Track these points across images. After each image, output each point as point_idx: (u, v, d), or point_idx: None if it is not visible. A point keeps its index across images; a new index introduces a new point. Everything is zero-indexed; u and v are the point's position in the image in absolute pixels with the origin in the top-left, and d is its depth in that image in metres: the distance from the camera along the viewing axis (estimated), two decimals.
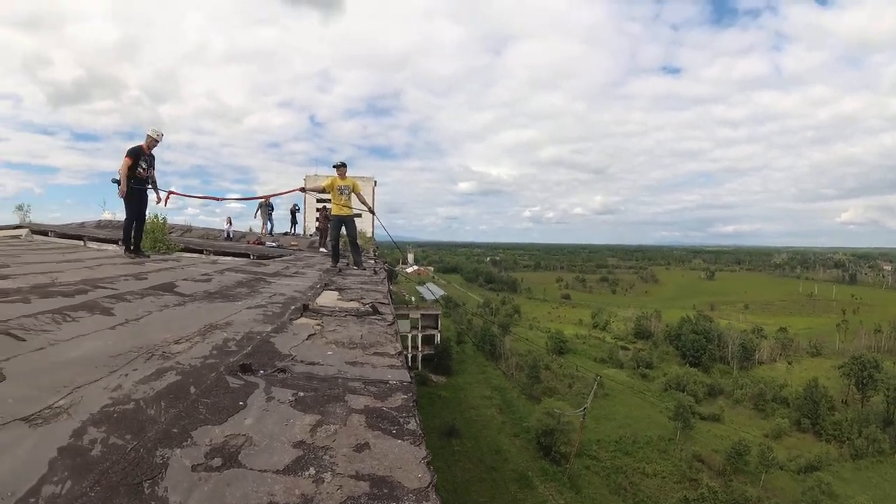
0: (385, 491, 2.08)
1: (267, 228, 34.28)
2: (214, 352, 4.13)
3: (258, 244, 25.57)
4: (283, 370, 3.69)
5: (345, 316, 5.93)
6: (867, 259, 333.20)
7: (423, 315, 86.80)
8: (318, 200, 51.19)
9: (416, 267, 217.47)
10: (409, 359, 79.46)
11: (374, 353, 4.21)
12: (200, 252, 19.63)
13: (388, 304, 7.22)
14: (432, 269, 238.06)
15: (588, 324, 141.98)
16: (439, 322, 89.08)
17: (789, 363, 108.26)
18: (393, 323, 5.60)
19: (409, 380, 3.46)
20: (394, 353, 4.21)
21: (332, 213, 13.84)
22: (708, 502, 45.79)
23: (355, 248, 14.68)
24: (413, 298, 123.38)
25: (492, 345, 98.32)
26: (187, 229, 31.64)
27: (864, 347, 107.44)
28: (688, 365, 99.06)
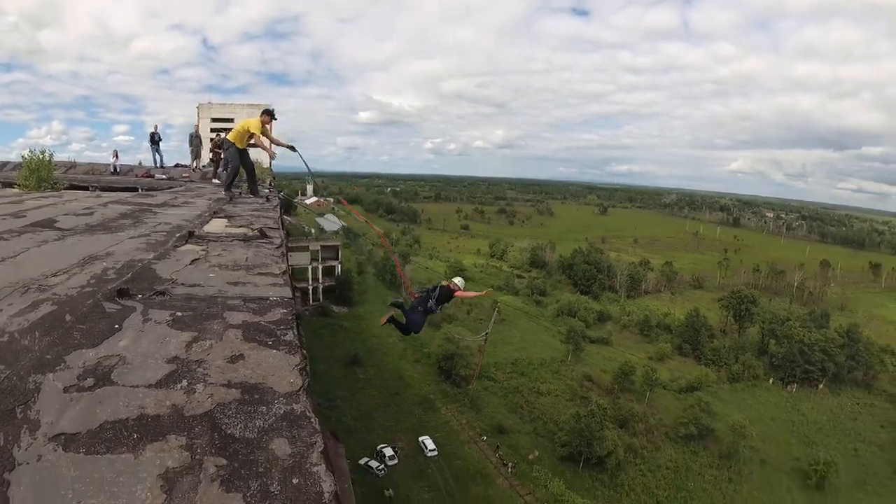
0: (256, 396, 2.14)
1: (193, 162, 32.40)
2: (92, 281, 4.03)
3: (147, 177, 24.53)
4: (162, 293, 3.62)
5: (231, 241, 5.81)
6: (751, 206, 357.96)
7: (322, 247, 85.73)
8: (212, 130, 48.54)
9: (315, 198, 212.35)
10: (311, 291, 78.93)
11: (258, 274, 4.18)
12: (86, 189, 18.57)
13: (278, 229, 7.11)
14: (332, 200, 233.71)
15: (486, 253, 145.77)
16: (339, 254, 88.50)
17: (673, 294, 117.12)
18: (280, 246, 5.54)
19: (290, 296, 3.48)
20: (278, 272, 4.19)
21: (238, 146, 13.46)
22: (597, 417, 49.29)
23: (251, 177, 14.57)
24: (312, 230, 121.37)
25: (392, 274, 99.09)
26: (71, 166, 29.25)
27: (742, 284, 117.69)
28: (579, 293, 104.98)
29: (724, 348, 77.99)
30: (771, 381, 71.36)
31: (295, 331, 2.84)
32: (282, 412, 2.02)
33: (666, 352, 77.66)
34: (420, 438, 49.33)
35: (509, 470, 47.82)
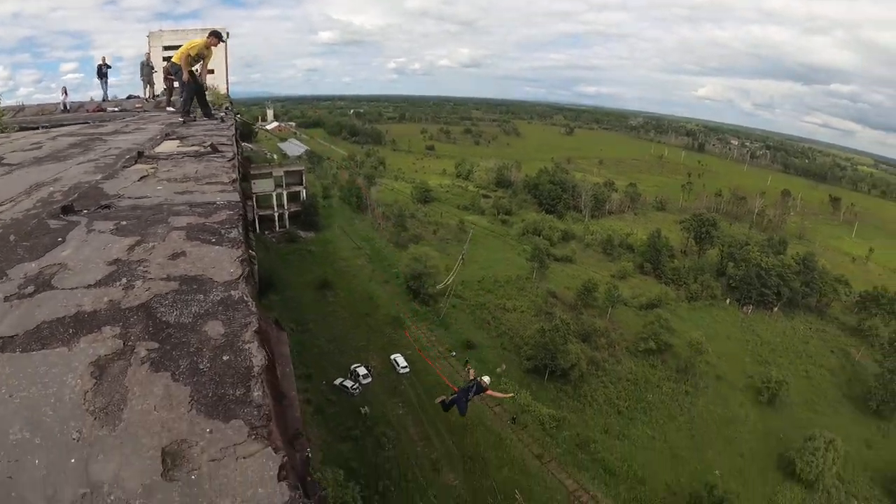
0: (194, 287, 2.19)
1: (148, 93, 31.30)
2: (38, 204, 4.05)
3: (98, 111, 23.72)
4: (107, 206, 3.58)
5: (182, 158, 5.70)
6: (717, 132, 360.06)
7: (286, 172, 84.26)
8: (165, 59, 46.48)
9: (276, 123, 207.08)
10: (276, 217, 78.32)
11: (207, 183, 4.14)
12: (36, 129, 17.92)
13: (230, 145, 6.96)
14: (294, 124, 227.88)
15: (452, 174, 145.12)
16: (304, 178, 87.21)
17: (636, 215, 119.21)
18: (232, 159, 5.45)
19: (238, 200, 3.45)
20: (227, 181, 4.16)
21: (185, 69, 13.16)
22: (561, 332, 50.74)
23: (202, 98, 14.50)
24: (275, 156, 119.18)
25: (358, 197, 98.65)
26: (19, 109, 27.89)
27: (704, 207, 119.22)
28: (544, 212, 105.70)
29: (684, 268, 80.00)
30: (728, 301, 73.68)
31: (240, 229, 2.84)
32: (219, 298, 2.09)
33: (628, 270, 79.36)
34: (392, 356, 50.48)
35: None
